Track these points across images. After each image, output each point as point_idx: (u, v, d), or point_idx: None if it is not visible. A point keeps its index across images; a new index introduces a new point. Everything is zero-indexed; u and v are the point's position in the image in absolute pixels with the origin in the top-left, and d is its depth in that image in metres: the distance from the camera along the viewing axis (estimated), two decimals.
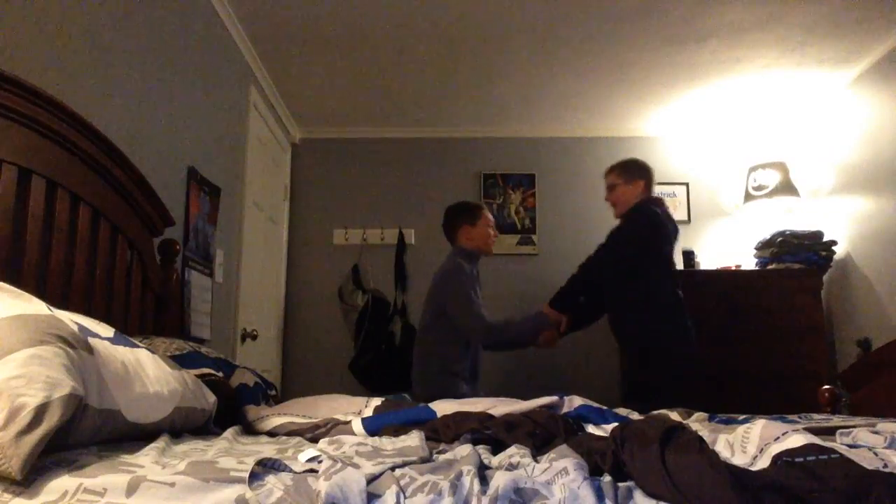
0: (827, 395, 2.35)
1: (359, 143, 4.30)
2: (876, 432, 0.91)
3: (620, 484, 0.75)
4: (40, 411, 0.79)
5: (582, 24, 3.05)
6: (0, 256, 1.35)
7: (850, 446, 0.84)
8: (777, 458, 0.72)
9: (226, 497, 0.73)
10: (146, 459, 0.89)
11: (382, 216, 4.22)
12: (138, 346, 1.21)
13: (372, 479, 0.77)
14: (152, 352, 1.26)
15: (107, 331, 1.16)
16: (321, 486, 0.73)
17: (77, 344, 0.95)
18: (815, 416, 1.78)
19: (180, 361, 1.51)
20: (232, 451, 1.05)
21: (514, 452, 0.91)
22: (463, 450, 0.94)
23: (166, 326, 2.13)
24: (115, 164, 1.80)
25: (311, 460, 0.87)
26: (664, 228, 2.74)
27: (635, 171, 2.89)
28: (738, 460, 0.78)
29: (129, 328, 1.87)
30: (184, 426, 1.26)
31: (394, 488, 0.74)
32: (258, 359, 3.43)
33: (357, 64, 3.44)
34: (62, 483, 0.76)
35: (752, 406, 2.81)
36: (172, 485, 0.74)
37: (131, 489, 0.74)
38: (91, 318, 1.21)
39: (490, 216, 3.04)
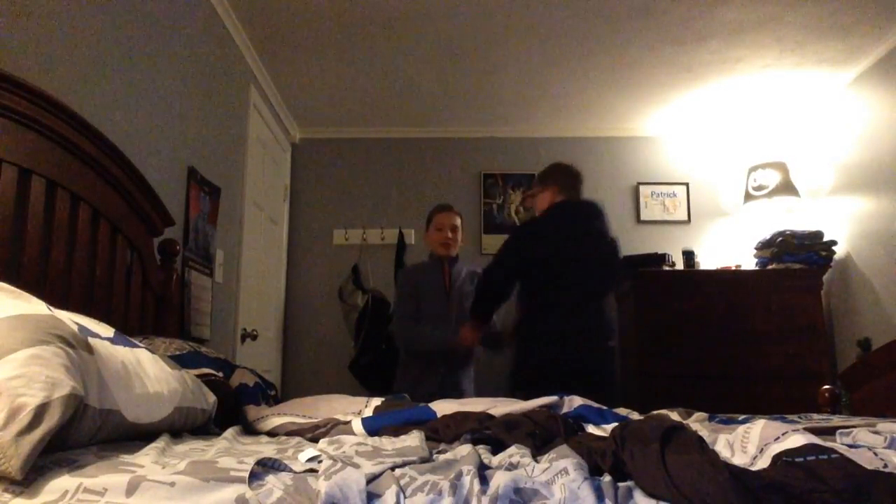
0: (827, 395, 2.35)
1: (359, 143, 4.30)
2: (876, 432, 0.91)
3: (620, 484, 0.75)
4: (40, 411, 0.79)
5: (582, 24, 3.06)
6: (0, 256, 1.35)
7: (850, 446, 0.84)
8: (777, 458, 0.72)
9: (226, 497, 0.73)
10: (146, 459, 0.89)
11: (382, 216, 4.22)
12: (138, 346, 1.21)
13: (372, 479, 0.77)
14: (152, 352, 1.25)
15: (107, 331, 1.15)
16: (321, 485, 0.72)
17: (77, 344, 0.95)
18: (815, 416, 1.78)
19: (180, 361, 1.51)
20: (232, 451, 1.05)
21: (514, 452, 0.91)
22: (463, 450, 0.94)
23: (166, 326, 2.13)
24: (115, 164, 1.80)
25: (311, 460, 0.87)
26: (527, 235, 2.70)
27: (548, 178, 2.87)
28: (738, 460, 0.78)
29: (129, 328, 1.86)
30: (184, 426, 1.26)
31: (394, 488, 0.74)
32: (258, 359, 3.43)
33: (357, 64, 3.44)
34: (62, 483, 0.76)
35: (752, 406, 2.81)
36: (172, 484, 0.74)
37: (131, 489, 0.74)
38: (91, 318, 1.21)
39: (443, 219, 3.01)
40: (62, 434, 0.87)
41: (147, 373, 1.14)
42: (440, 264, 3.03)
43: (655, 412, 1.64)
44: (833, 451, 0.71)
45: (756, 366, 3.42)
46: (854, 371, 2.62)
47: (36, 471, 0.78)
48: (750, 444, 0.78)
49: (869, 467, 0.69)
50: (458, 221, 3.05)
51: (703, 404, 1.86)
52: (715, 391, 3.33)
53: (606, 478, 0.76)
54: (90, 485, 0.75)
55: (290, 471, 0.80)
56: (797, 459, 0.70)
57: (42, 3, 1.63)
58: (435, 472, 0.80)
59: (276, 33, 3.14)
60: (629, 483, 0.75)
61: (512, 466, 0.84)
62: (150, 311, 2.06)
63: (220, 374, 1.68)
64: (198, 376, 1.49)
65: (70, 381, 0.85)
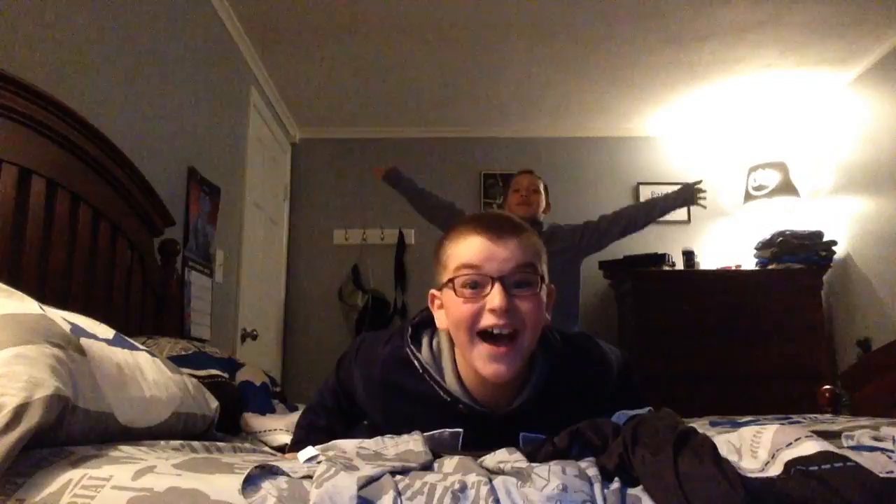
0: (827, 395, 2.35)
1: (359, 143, 4.29)
2: (879, 438, 0.91)
3: (630, 491, 0.74)
4: (19, 412, 0.77)
5: (582, 24, 3.05)
6: (0, 256, 1.34)
7: (860, 448, 0.83)
8: (790, 466, 0.71)
9: (232, 483, 0.74)
10: (150, 455, 0.89)
11: (382, 216, 4.21)
12: (139, 349, 1.20)
13: (369, 482, 0.76)
14: (153, 355, 1.24)
15: (106, 332, 1.14)
16: (311, 494, 0.72)
17: (66, 345, 0.93)
18: (819, 416, 1.78)
19: (187, 362, 1.51)
20: (235, 454, 1.05)
21: (506, 458, 0.87)
22: (463, 460, 0.93)
23: (166, 326, 2.13)
24: (115, 164, 1.80)
25: (310, 459, 0.87)
26: None
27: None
28: (747, 464, 0.77)
29: (129, 328, 1.85)
30: (182, 432, 1.25)
31: (391, 493, 0.73)
32: (258, 359, 3.42)
33: (357, 64, 3.44)
34: (66, 475, 0.76)
35: (752, 406, 2.81)
36: (179, 475, 0.75)
37: (137, 476, 0.75)
38: (91, 318, 1.21)
39: (522, 180, 2.90)
40: (50, 435, 0.86)
41: (145, 376, 1.13)
42: None
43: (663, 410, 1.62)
44: (847, 458, 0.70)
45: (756, 366, 3.42)
46: (854, 371, 2.62)
47: (34, 464, 0.78)
48: (761, 448, 0.77)
49: (882, 472, 0.69)
50: (540, 185, 2.88)
51: (703, 404, 1.86)
52: (715, 391, 3.32)
53: (615, 485, 0.76)
54: (95, 474, 0.76)
55: (287, 476, 0.79)
56: (811, 468, 0.69)
57: (42, 4, 1.63)
58: (434, 477, 0.79)
59: (276, 33, 3.13)
60: (637, 492, 0.74)
61: (512, 472, 0.82)
62: (150, 311, 2.05)
63: (226, 376, 1.67)
64: (205, 378, 1.48)
65: (54, 382, 0.84)
